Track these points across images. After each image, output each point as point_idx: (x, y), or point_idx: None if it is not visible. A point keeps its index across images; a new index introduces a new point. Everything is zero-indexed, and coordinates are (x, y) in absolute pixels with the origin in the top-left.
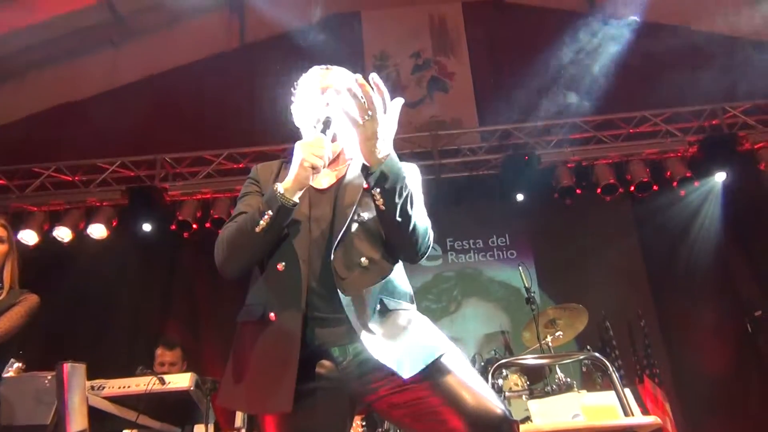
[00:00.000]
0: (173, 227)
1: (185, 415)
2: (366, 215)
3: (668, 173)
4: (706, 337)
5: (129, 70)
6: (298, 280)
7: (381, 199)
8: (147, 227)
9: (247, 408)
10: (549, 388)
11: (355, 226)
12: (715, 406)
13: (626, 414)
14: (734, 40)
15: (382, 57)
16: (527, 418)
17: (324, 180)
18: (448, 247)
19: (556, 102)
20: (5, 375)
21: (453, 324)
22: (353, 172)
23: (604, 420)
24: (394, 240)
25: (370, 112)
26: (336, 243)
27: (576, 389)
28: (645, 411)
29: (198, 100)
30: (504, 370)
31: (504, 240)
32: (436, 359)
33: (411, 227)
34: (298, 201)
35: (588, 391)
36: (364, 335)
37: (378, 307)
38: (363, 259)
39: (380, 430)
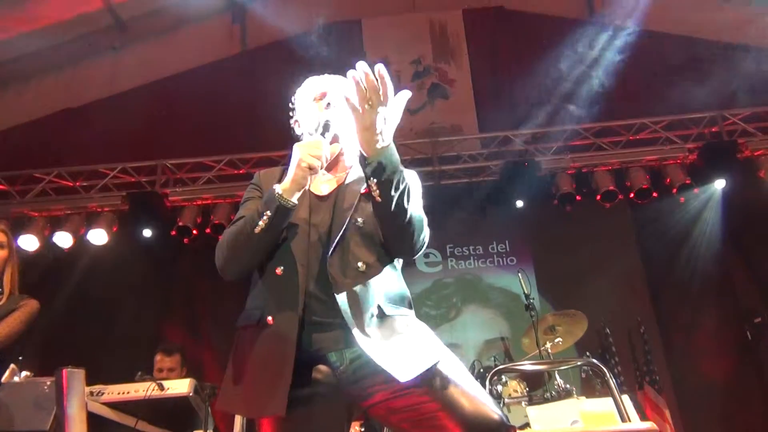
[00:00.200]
0: (173, 233)
1: (184, 421)
2: (364, 219)
3: (668, 180)
4: (705, 344)
5: (130, 75)
6: (295, 285)
7: (377, 191)
8: (147, 233)
9: (244, 411)
10: (548, 394)
11: (352, 231)
12: (715, 412)
13: (623, 420)
14: (734, 47)
15: (383, 64)
16: (526, 425)
17: (324, 187)
18: (448, 254)
19: (556, 109)
20: (11, 380)
21: (453, 330)
22: (353, 178)
23: (602, 426)
24: (390, 234)
25: (370, 102)
26: (333, 247)
27: (575, 396)
28: (644, 417)
29: (199, 106)
30: (503, 377)
31: (504, 246)
32: (434, 365)
33: (407, 219)
34: (296, 202)
35: (587, 397)
36: (361, 339)
37: (376, 312)
38: (360, 264)
39: None
